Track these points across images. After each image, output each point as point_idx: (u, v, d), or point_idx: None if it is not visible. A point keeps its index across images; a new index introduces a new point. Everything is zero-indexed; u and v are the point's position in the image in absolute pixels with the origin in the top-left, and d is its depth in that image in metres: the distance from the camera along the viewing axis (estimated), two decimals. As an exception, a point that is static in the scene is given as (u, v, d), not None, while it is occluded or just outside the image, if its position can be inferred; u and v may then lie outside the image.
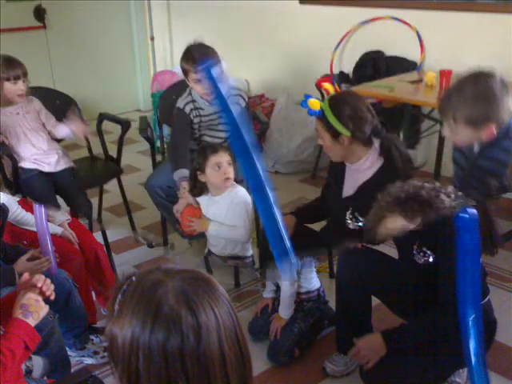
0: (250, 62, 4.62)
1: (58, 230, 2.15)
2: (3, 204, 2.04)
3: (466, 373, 1.86)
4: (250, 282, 2.61)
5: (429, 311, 1.70)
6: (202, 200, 2.33)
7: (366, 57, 3.78)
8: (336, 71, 3.96)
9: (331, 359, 2.05)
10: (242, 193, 2.27)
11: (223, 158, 2.19)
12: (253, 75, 4.65)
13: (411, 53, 3.62)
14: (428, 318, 1.70)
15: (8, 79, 2.49)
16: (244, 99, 2.62)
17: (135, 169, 4.01)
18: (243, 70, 4.63)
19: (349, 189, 1.94)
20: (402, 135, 3.28)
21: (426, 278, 1.70)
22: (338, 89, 3.73)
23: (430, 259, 1.67)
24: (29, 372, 1.71)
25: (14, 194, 2.69)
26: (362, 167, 1.87)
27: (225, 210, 2.26)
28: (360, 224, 1.87)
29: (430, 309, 1.69)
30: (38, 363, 1.81)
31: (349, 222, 1.90)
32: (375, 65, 3.72)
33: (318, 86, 3.58)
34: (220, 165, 2.18)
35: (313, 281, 2.18)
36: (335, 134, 1.83)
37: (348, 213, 1.90)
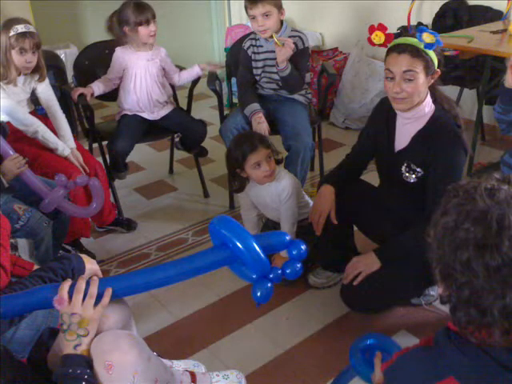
0: (324, 15, 4.49)
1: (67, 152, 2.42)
2: (3, 122, 2.18)
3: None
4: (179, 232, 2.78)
5: (412, 226, 1.82)
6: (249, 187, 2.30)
7: (447, 6, 3.57)
8: (414, 22, 3.77)
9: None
10: (284, 181, 2.22)
11: (261, 155, 2.12)
12: (327, 28, 4.53)
13: (497, 1, 3.37)
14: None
15: (140, 23, 2.63)
16: (303, 42, 2.65)
17: (207, 123, 4.08)
18: (318, 23, 4.52)
19: (401, 141, 1.89)
20: (480, 89, 3.11)
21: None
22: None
23: (419, 175, 1.85)
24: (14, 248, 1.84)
25: (91, 142, 2.86)
26: (420, 114, 1.82)
27: (270, 197, 2.24)
28: (419, 174, 1.84)
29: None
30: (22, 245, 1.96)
31: (406, 175, 1.86)
32: (456, 15, 3.50)
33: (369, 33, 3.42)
34: (259, 163, 2.13)
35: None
36: (429, 72, 1.78)
37: (404, 167, 1.86)
